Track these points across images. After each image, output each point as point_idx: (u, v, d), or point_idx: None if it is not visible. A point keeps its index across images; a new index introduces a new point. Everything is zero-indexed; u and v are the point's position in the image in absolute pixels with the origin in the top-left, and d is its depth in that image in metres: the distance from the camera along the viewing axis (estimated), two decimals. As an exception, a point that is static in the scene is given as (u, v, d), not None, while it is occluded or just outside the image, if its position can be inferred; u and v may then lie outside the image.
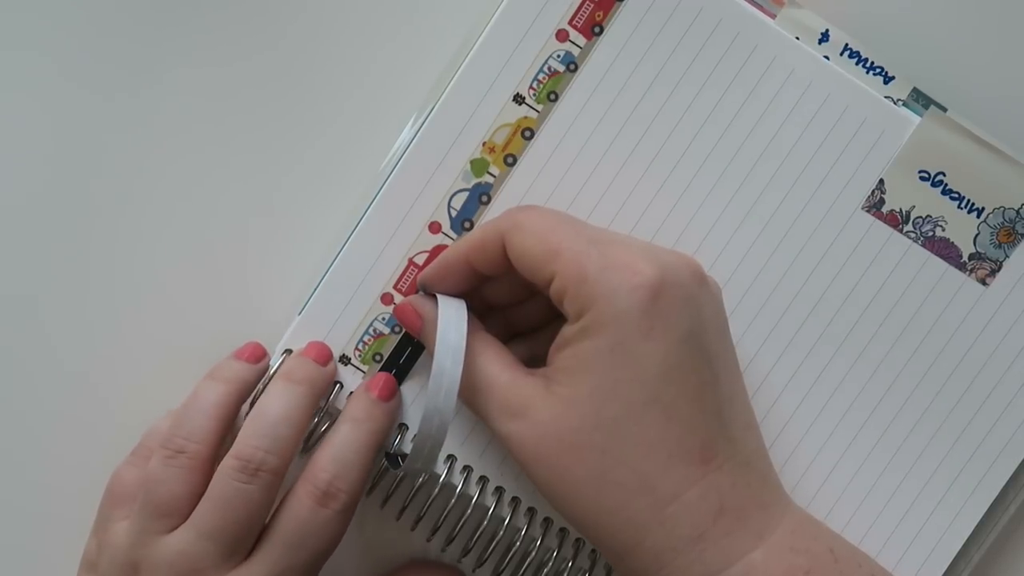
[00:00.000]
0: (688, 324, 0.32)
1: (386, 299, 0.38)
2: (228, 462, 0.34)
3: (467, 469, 0.38)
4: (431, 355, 0.34)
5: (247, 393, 0.37)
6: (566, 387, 0.32)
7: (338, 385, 0.38)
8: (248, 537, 0.34)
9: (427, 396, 0.33)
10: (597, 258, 0.32)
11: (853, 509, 0.38)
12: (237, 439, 0.35)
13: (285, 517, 0.35)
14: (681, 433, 0.32)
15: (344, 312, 0.38)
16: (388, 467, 0.37)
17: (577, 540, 0.38)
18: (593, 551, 0.38)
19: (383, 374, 0.38)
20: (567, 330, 0.33)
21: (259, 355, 0.38)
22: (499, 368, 0.34)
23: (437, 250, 0.38)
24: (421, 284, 0.37)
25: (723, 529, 0.32)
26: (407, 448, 0.38)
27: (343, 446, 0.35)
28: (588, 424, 0.32)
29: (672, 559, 0.32)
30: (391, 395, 0.37)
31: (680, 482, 0.32)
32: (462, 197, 0.38)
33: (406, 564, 0.40)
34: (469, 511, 0.38)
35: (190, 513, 0.34)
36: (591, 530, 0.33)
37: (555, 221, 0.33)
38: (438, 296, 0.36)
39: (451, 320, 0.34)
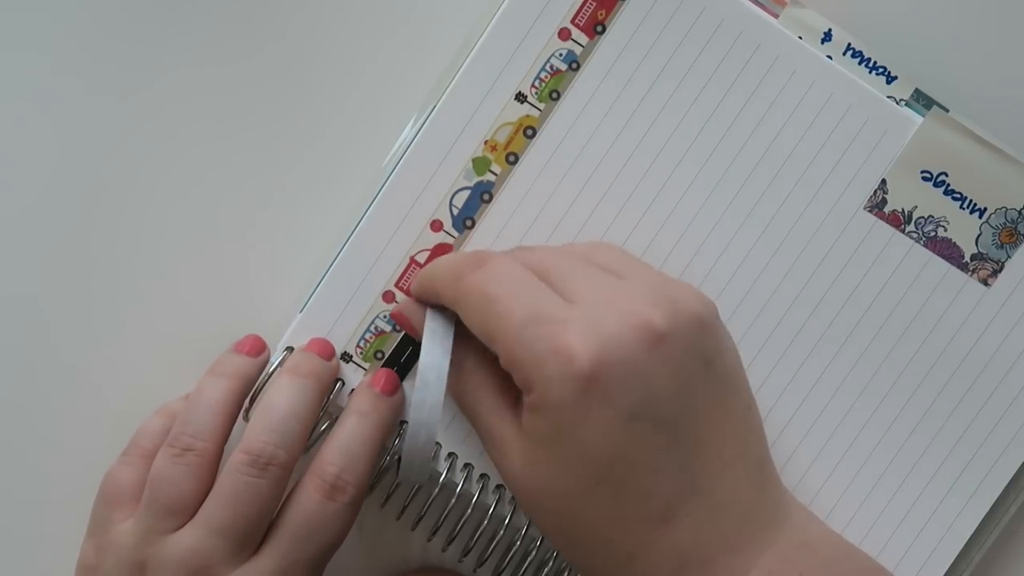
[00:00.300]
0: (633, 401, 0.30)
1: (387, 297, 0.38)
2: (237, 457, 0.34)
3: (468, 467, 0.38)
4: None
5: (249, 388, 0.37)
6: (528, 446, 0.32)
7: (339, 383, 0.38)
8: (257, 532, 0.34)
9: (411, 410, 0.34)
10: (529, 346, 0.31)
11: (854, 510, 0.38)
12: (245, 434, 0.35)
13: (293, 511, 0.35)
14: (634, 502, 0.31)
15: (346, 310, 0.38)
16: (389, 468, 0.37)
17: (578, 539, 0.38)
18: (594, 550, 0.38)
19: (385, 370, 0.38)
20: (524, 398, 0.32)
21: (259, 348, 0.38)
22: (483, 394, 0.34)
23: (438, 248, 0.38)
24: (413, 294, 0.37)
25: None
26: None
27: (349, 439, 0.35)
28: (545, 489, 0.32)
29: None
30: (394, 390, 0.37)
31: (638, 545, 0.31)
32: (464, 195, 0.38)
33: (412, 571, 0.40)
34: (469, 511, 0.37)
35: (196, 510, 0.34)
36: (570, 562, 0.34)
37: (495, 289, 0.32)
38: (427, 310, 0.36)
39: (436, 335, 0.35)
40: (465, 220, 0.38)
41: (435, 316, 0.36)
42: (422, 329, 0.35)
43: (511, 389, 0.33)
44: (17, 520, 0.41)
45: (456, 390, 0.35)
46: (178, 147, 0.40)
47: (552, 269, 0.33)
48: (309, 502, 0.35)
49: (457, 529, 0.38)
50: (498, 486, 0.38)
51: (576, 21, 0.37)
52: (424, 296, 0.36)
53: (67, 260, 0.40)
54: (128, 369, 0.40)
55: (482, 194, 0.38)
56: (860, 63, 0.38)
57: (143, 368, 0.40)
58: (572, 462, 0.31)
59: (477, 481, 0.38)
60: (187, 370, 0.39)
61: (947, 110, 0.38)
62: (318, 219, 0.40)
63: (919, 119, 0.37)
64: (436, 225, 0.38)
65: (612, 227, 0.38)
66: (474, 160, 0.38)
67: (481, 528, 0.38)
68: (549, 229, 0.38)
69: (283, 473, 0.35)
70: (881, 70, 0.38)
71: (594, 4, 0.37)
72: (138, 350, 0.41)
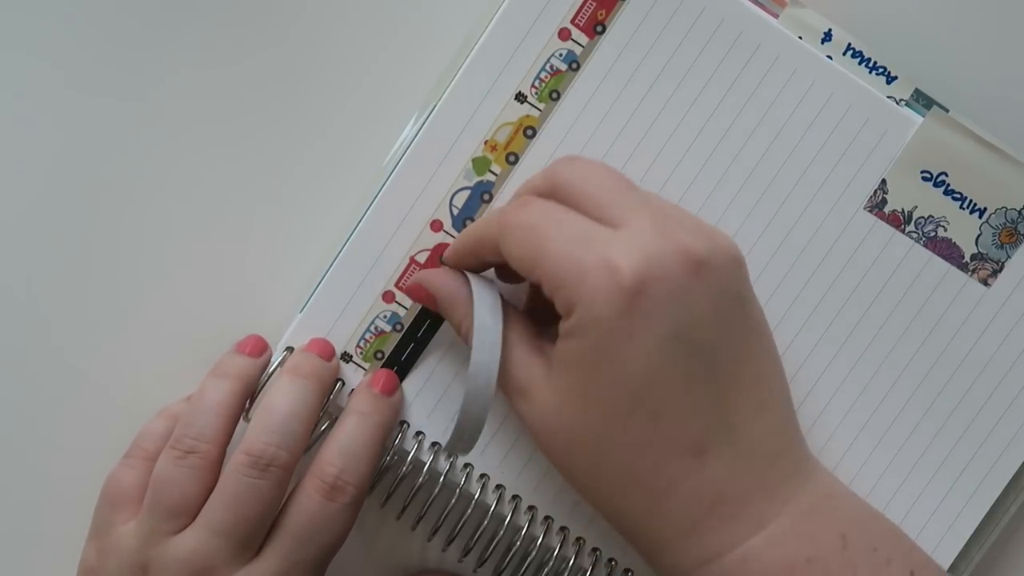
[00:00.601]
0: (674, 321, 0.31)
1: (387, 297, 0.38)
2: (238, 458, 0.34)
3: (468, 467, 0.38)
4: (453, 327, 0.35)
5: (251, 389, 0.37)
6: (560, 379, 0.32)
7: (339, 383, 0.38)
8: (259, 533, 0.34)
9: (468, 378, 0.33)
10: (576, 262, 0.31)
11: (854, 509, 0.38)
12: (246, 435, 0.35)
13: (294, 512, 0.35)
14: (670, 431, 0.31)
15: (346, 310, 0.38)
16: (390, 467, 0.37)
17: (578, 539, 0.38)
18: (593, 551, 0.38)
19: (385, 370, 0.38)
20: (561, 325, 0.32)
21: (261, 348, 0.38)
22: (511, 342, 0.34)
23: (439, 248, 0.38)
24: (447, 263, 0.37)
25: (719, 518, 0.32)
26: (408, 446, 0.38)
27: (349, 440, 0.35)
28: (578, 422, 0.32)
29: (667, 547, 0.32)
30: (393, 390, 0.37)
31: (672, 477, 0.32)
32: (464, 195, 0.38)
33: (413, 574, 0.40)
34: (470, 511, 0.38)
35: (199, 512, 0.34)
36: (599, 512, 0.34)
37: (541, 220, 0.32)
38: (470, 277, 0.36)
39: (485, 299, 0.34)
40: (465, 220, 0.38)
41: (479, 280, 0.35)
42: (448, 295, 0.35)
43: (538, 340, 0.34)
44: (19, 522, 0.41)
45: None
46: (178, 148, 0.40)
47: (590, 197, 0.33)
48: (310, 503, 0.35)
49: (457, 529, 0.38)
50: (498, 486, 0.38)
51: (576, 21, 0.37)
52: (465, 251, 0.36)
53: (68, 261, 0.40)
54: (128, 369, 0.40)
55: (482, 194, 0.38)
56: (860, 63, 0.38)
57: (143, 368, 0.40)
58: (609, 385, 0.31)
59: (477, 481, 0.38)
60: (188, 370, 0.39)
61: (947, 110, 0.38)
62: (318, 219, 0.40)
63: (919, 119, 0.37)
64: (436, 225, 0.38)
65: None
66: (474, 160, 0.38)
67: (481, 528, 0.38)
68: (549, 229, 0.38)
69: (284, 474, 0.35)
70: (881, 70, 0.38)
71: (594, 4, 0.37)
72: (138, 350, 0.41)
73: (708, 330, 0.31)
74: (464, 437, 0.35)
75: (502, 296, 0.35)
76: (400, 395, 0.38)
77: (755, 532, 0.32)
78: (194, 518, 0.34)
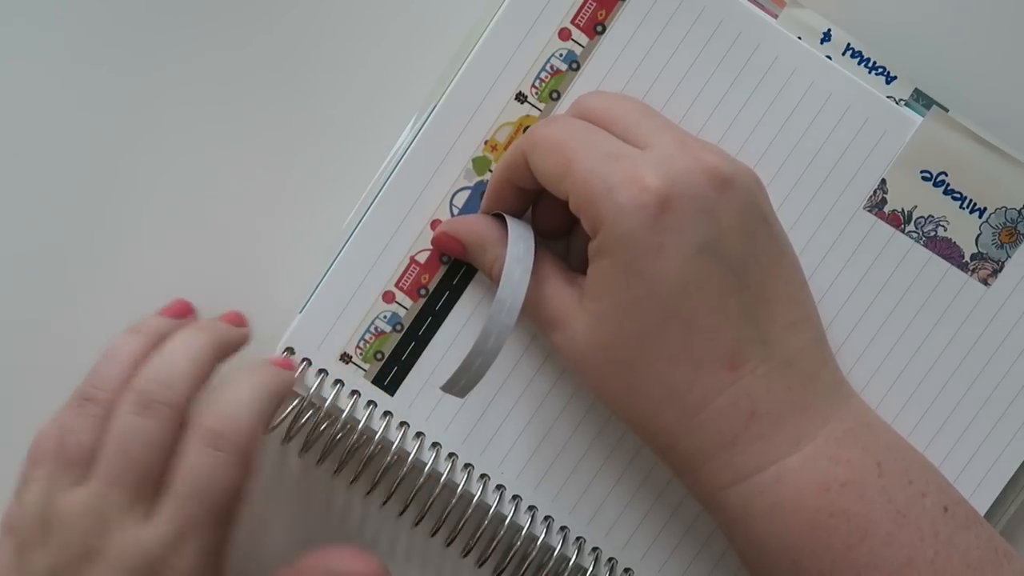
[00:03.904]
0: (702, 235, 0.31)
1: (387, 297, 0.38)
2: (123, 397, 0.33)
3: (468, 468, 0.38)
4: (484, 271, 0.36)
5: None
6: (594, 303, 0.33)
7: (339, 384, 0.38)
8: (149, 480, 0.33)
9: (490, 311, 0.33)
10: (604, 176, 0.32)
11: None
12: (134, 379, 0.34)
13: (180, 465, 0.33)
14: (705, 343, 0.32)
15: (346, 310, 0.38)
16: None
17: (578, 539, 0.38)
18: (593, 550, 0.38)
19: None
20: (590, 246, 0.33)
21: (185, 311, 0.37)
22: (543, 276, 0.35)
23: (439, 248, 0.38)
24: (483, 211, 0.37)
25: (755, 434, 0.32)
26: (408, 447, 0.38)
27: (241, 394, 0.34)
28: (615, 340, 0.32)
29: (703, 463, 0.33)
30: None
31: (708, 390, 0.32)
32: (464, 195, 0.38)
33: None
34: (470, 511, 0.38)
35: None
36: (635, 432, 0.35)
37: (570, 135, 0.33)
38: (507, 218, 0.36)
39: (522, 237, 0.35)
40: (465, 220, 0.38)
41: (515, 220, 0.36)
42: (475, 240, 0.36)
43: (570, 274, 0.35)
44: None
45: None
46: (179, 149, 0.40)
47: (617, 120, 0.34)
48: (193, 454, 0.33)
49: (458, 529, 0.38)
50: (498, 486, 0.38)
51: (576, 21, 0.37)
52: (500, 182, 0.36)
53: (66, 261, 0.40)
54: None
55: (482, 194, 0.38)
56: (860, 63, 0.38)
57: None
58: (642, 300, 0.32)
59: (477, 481, 0.38)
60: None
61: (947, 110, 0.38)
62: (318, 219, 0.40)
63: (919, 119, 0.37)
64: (436, 225, 0.38)
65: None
66: (474, 160, 0.38)
67: (481, 528, 0.38)
68: (549, 229, 0.38)
69: (171, 413, 0.33)
70: (880, 70, 0.38)
71: (594, 4, 0.37)
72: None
73: (737, 245, 0.32)
74: (470, 373, 0.34)
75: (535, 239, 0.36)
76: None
77: (790, 452, 0.32)
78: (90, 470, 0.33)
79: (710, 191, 0.32)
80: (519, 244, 0.35)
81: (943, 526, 0.32)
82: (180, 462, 0.33)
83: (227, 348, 0.36)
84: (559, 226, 0.37)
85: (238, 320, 0.38)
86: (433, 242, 0.38)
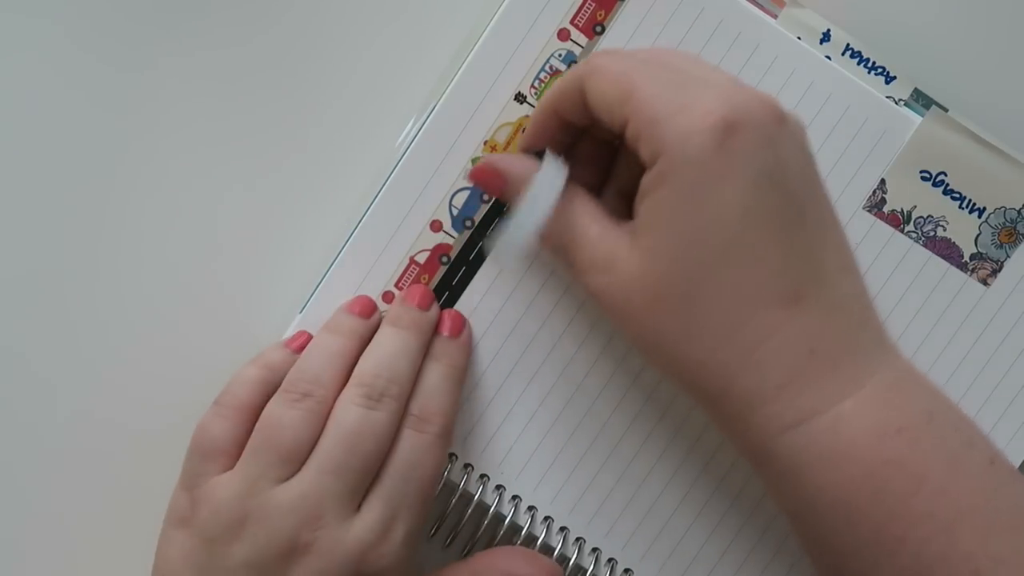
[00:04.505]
0: (765, 164, 0.31)
1: (387, 297, 0.38)
2: (350, 392, 0.34)
3: (468, 468, 0.38)
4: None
5: (362, 348, 0.36)
6: (649, 238, 0.32)
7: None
8: (367, 475, 0.34)
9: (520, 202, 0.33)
10: (669, 101, 0.31)
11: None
12: (355, 372, 0.35)
13: (392, 452, 0.34)
14: (766, 275, 0.31)
15: (345, 310, 0.38)
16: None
17: (578, 539, 0.38)
18: (593, 550, 0.38)
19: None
20: (646, 179, 0.32)
21: (371, 309, 0.37)
22: (588, 220, 0.34)
23: (438, 248, 0.38)
24: (521, 149, 0.37)
25: (812, 374, 0.31)
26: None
27: (432, 381, 0.36)
28: (672, 273, 0.31)
29: (761, 405, 0.31)
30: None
31: (767, 326, 0.31)
32: (463, 195, 0.38)
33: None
34: (470, 511, 0.38)
35: (306, 461, 0.34)
36: (682, 379, 0.33)
37: (633, 63, 0.32)
38: (547, 151, 0.35)
39: (555, 166, 0.34)
40: (465, 220, 0.38)
41: (552, 155, 0.35)
42: (517, 174, 0.35)
43: (613, 216, 0.34)
44: (23, 518, 0.41)
45: (558, 228, 0.34)
46: (178, 149, 0.40)
47: (671, 64, 0.33)
48: (402, 440, 0.34)
49: (458, 529, 0.38)
50: (498, 486, 0.38)
51: (575, 22, 0.37)
52: (545, 111, 0.35)
53: (66, 261, 0.40)
54: (128, 368, 0.40)
55: (482, 194, 0.38)
56: (859, 63, 0.38)
57: (143, 367, 0.40)
58: (703, 230, 0.31)
59: (477, 481, 0.38)
60: (187, 369, 0.39)
61: (946, 110, 0.38)
62: (318, 219, 0.40)
63: (918, 119, 0.37)
64: (436, 225, 0.38)
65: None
66: (474, 160, 0.38)
67: (481, 529, 0.38)
68: (549, 229, 0.38)
69: (397, 406, 0.34)
70: (880, 70, 0.38)
71: (593, 4, 0.37)
72: (138, 348, 0.40)
73: (795, 177, 0.32)
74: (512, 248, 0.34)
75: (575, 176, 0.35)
76: (436, 309, 0.38)
77: (845, 396, 0.31)
78: (301, 466, 0.33)
79: (771, 122, 0.31)
80: (552, 170, 0.34)
81: (990, 478, 0.31)
82: (393, 448, 0.34)
83: (427, 340, 0.37)
84: (592, 177, 0.36)
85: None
86: (471, 177, 0.36)
